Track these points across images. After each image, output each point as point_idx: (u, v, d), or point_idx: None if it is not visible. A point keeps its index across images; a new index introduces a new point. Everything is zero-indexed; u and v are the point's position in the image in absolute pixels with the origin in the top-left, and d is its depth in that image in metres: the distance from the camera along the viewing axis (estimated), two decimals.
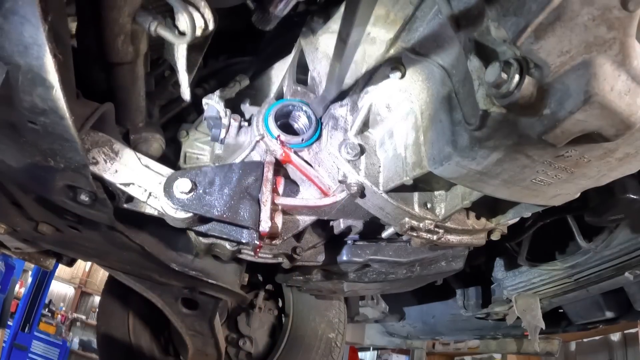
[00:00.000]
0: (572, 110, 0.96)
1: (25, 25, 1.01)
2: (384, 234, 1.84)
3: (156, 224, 1.74)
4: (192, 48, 1.58)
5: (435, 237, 1.82)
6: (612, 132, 1.01)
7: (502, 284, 3.47)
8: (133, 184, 1.53)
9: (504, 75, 1.00)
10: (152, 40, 1.59)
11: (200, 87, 2.09)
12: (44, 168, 1.38)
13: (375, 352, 11.23)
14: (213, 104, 1.79)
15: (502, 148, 1.18)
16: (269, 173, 1.58)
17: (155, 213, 1.59)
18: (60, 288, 22.63)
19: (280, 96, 1.91)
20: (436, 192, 1.70)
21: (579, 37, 0.91)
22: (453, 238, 1.86)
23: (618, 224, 2.60)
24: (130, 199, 1.61)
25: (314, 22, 1.81)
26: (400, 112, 1.61)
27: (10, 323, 11.59)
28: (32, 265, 10.71)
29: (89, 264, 18.51)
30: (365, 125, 1.73)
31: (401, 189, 1.57)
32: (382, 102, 1.64)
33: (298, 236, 1.82)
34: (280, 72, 2.00)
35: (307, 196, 1.68)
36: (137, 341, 3.29)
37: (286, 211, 1.65)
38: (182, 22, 1.38)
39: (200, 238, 1.74)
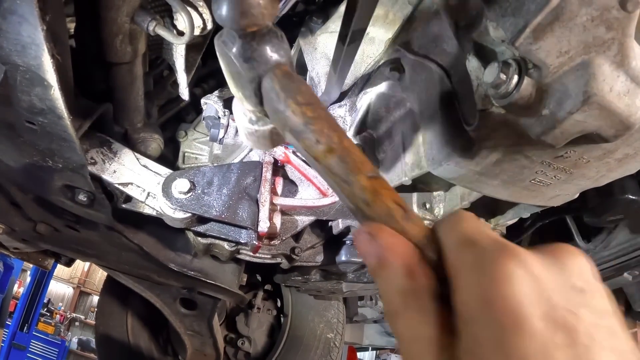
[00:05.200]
0: (571, 111, 0.96)
1: (23, 25, 1.01)
2: None
3: (155, 224, 1.74)
4: (191, 48, 1.58)
5: None
6: (611, 132, 1.01)
7: None
8: (131, 184, 1.53)
9: (503, 76, 1.00)
10: (151, 40, 1.59)
11: (199, 86, 2.08)
12: (42, 168, 1.38)
13: (374, 352, 11.23)
14: (212, 103, 1.79)
15: (501, 148, 1.18)
16: (267, 173, 1.58)
17: (154, 213, 1.59)
18: (59, 288, 22.59)
19: None
20: (435, 193, 1.70)
21: (578, 37, 0.91)
22: None
23: (617, 224, 2.60)
24: (128, 199, 1.61)
25: (313, 22, 1.81)
26: (399, 113, 1.61)
27: (8, 323, 11.58)
28: (31, 265, 10.70)
29: (87, 263, 18.50)
30: (364, 126, 1.73)
31: (400, 189, 1.57)
32: (381, 103, 1.64)
33: (297, 236, 1.82)
34: None
35: (306, 196, 1.68)
36: (135, 341, 3.29)
37: (285, 211, 1.65)
38: (181, 21, 1.38)
39: (199, 238, 1.74)
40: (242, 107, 0.83)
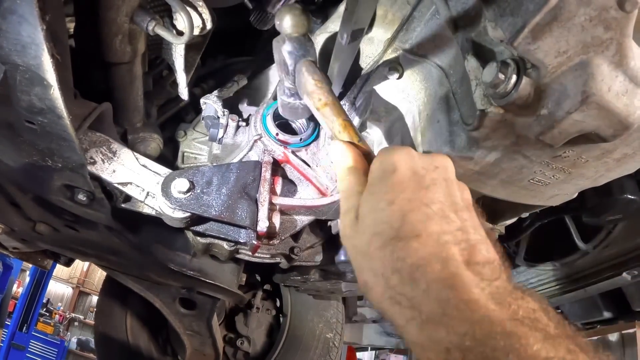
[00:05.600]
0: (570, 111, 0.97)
1: (23, 25, 1.01)
2: None
3: (154, 224, 1.74)
4: (190, 48, 1.58)
5: None
6: (610, 132, 1.01)
7: None
8: (131, 183, 1.53)
9: (501, 76, 1.00)
10: (150, 40, 1.59)
11: (199, 86, 2.08)
12: (42, 168, 1.38)
13: (374, 352, 11.22)
14: (211, 103, 1.79)
15: (499, 148, 1.18)
16: (266, 173, 1.58)
17: (153, 213, 1.59)
18: (58, 288, 22.58)
19: None
20: None
21: (576, 37, 0.91)
22: None
23: (616, 224, 2.60)
24: (128, 198, 1.61)
25: (312, 22, 1.81)
26: (398, 113, 1.61)
27: (8, 323, 11.57)
28: (30, 265, 10.70)
29: (86, 263, 18.49)
30: (363, 126, 1.73)
31: None
32: (380, 103, 1.64)
33: (296, 236, 1.82)
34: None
35: (305, 196, 1.68)
36: (135, 341, 3.29)
37: (284, 211, 1.65)
38: (180, 21, 1.38)
39: (198, 238, 1.74)
40: (282, 87, 1.37)
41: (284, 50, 1.23)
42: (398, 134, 1.61)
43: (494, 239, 0.84)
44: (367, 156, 0.99)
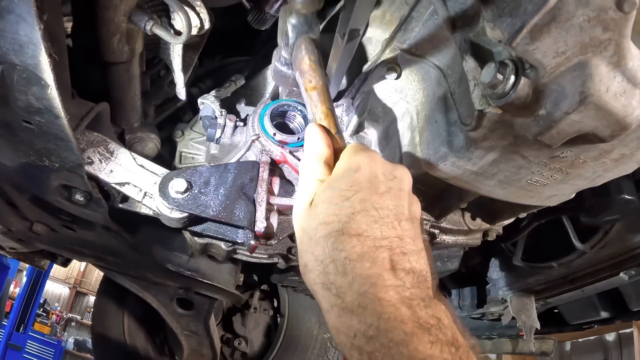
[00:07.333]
0: (568, 111, 0.97)
1: (20, 24, 1.01)
2: None
3: (151, 224, 1.73)
4: (188, 47, 1.58)
5: (430, 237, 1.82)
6: (608, 132, 1.01)
7: (498, 284, 3.48)
8: (128, 183, 1.53)
9: (500, 76, 1.00)
10: (148, 40, 1.59)
11: (196, 86, 2.08)
12: (39, 167, 1.38)
13: None
14: (209, 103, 1.79)
15: (497, 148, 1.18)
16: (264, 173, 1.58)
17: (151, 213, 1.58)
18: (55, 288, 22.52)
19: (275, 96, 1.90)
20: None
21: (575, 38, 0.91)
22: (448, 238, 1.86)
23: (613, 224, 2.60)
24: (125, 198, 1.60)
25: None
26: (396, 113, 1.61)
27: (5, 323, 11.56)
28: (27, 265, 10.68)
29: (83, 264, 18.45)
30: (360, 126, 1.73)
31: None
32: (378, 103, 1.64)
33: (293, 236, 1.82)
34: None
35: None
36: (132, 341, 3.29)
37: (282, 211, 1.64)
38: (178, 21, 1.38)
39: (196, 238, 1.73)
40: (279, 54, 1.39)
41: (289, 22, 1.26)
42: (396, 134, 1.61)
43: (429, 251, 0.95)
44: (337, 151, 1.04)
